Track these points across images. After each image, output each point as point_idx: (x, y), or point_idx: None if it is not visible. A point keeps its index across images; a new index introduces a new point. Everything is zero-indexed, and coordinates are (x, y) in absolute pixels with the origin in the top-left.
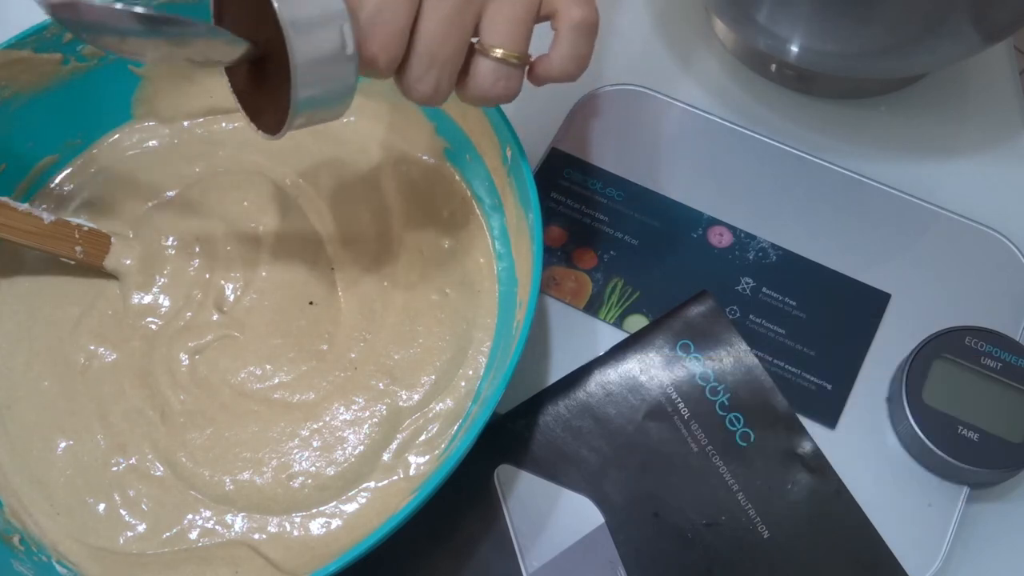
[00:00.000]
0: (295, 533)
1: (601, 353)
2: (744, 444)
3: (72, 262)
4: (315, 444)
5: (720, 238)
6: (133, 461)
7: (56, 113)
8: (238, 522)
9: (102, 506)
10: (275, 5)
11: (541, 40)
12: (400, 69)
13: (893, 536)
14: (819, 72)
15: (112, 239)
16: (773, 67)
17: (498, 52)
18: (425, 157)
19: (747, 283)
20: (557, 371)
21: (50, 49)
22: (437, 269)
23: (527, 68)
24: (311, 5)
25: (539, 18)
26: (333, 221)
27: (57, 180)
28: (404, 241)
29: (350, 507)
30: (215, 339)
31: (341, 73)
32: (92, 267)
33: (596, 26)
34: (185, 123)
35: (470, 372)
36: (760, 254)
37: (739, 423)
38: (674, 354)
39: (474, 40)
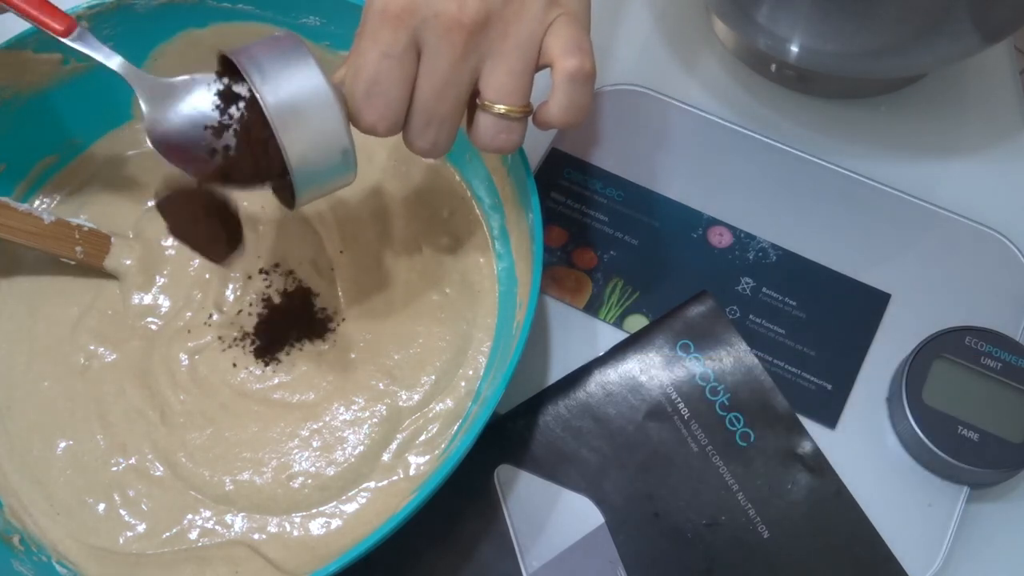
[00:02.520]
0: (295, 533)
1: (601, 353)
2: (744, 444)
3: (72, 262)
4: (315, 444)
5: (720, 238)
6: (133, 461)
7: (56, 113)
8: (238, 522)
9: (102, 506)
10: (264, 104)
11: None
12: (404, 123)
13: (893, 536)
14: (819, 72)
15: (112, 239)
16: (773, 67)
17: (499, 108)
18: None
19: (747, 283)
20: (557, 371)
21: (50, 49)
22: (437, 269)
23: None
24: (297, 96)
25: (538, 67)
26: (333, 221)
27: (57, 180)
28: (404, 241)
29: (350, 507)
30: (215, 339)
31: (336, 160)
32: (92, 267)
33: (592, 76)
34: None
35: (470, 372)
36: (760, 254)
37: (739, 423)
38: (674, 354)
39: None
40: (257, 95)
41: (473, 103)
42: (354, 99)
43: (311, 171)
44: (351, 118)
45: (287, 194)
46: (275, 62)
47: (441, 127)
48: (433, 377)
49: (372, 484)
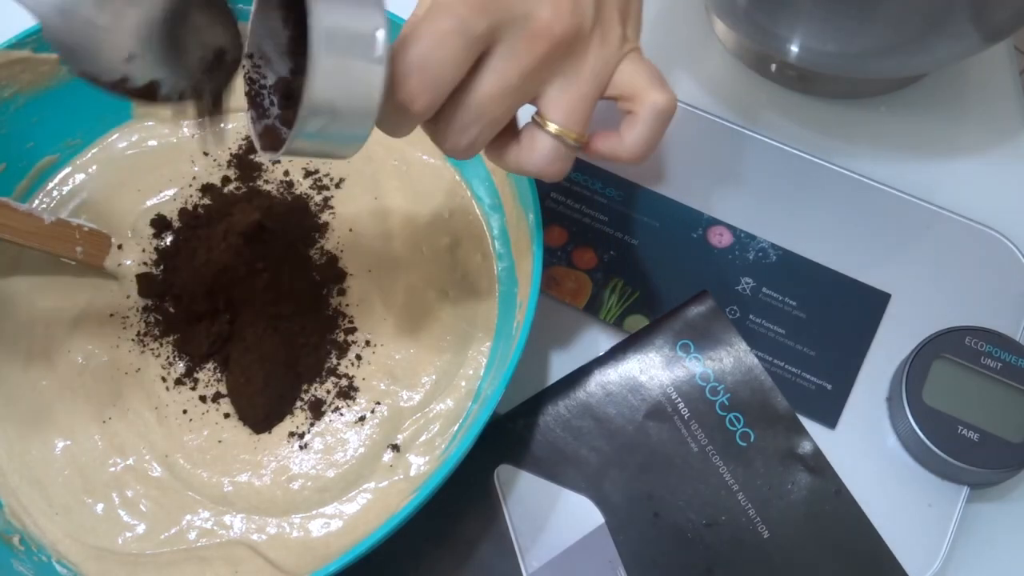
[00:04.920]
0: (295, 534)
1: (601, 353)
2: (744, 444)
3: (72, 262)
4: (315, 446)
5: (720, 238)
6: (131, 462)
7: (56, 113)
8: (237, 523)
9: (100, 506)
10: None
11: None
12: (436, 117)
13: (893, 536)
14: (819, 72)
15: (112, 239)
16: (773, 67)
17: (560, 131)
18: (425, 157)
19: (747, 283)
20: (557, 371)
21: (50, 49)
22: (437, 269)
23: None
24: (346, 10)
25: (604, 98)
26: (334, 220)
27: (57, 180)
28: (404, 241)
29: (350, 508)
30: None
31: (364, 85)
32: (92, 267)
33: (675, 112)
34: (185, 123)
35: (470, 372)
36: (760, 254)
37: (739, 423)
38: (674, 354)
39: (533, 111)
40: (310, 9)
41: (520, 121)
42: (402, 63)
43: (324, 119)
44: (392, 88)
45: (274, 137)
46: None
47: (484, 131)
48: (433, 377)
49: (372, 484)
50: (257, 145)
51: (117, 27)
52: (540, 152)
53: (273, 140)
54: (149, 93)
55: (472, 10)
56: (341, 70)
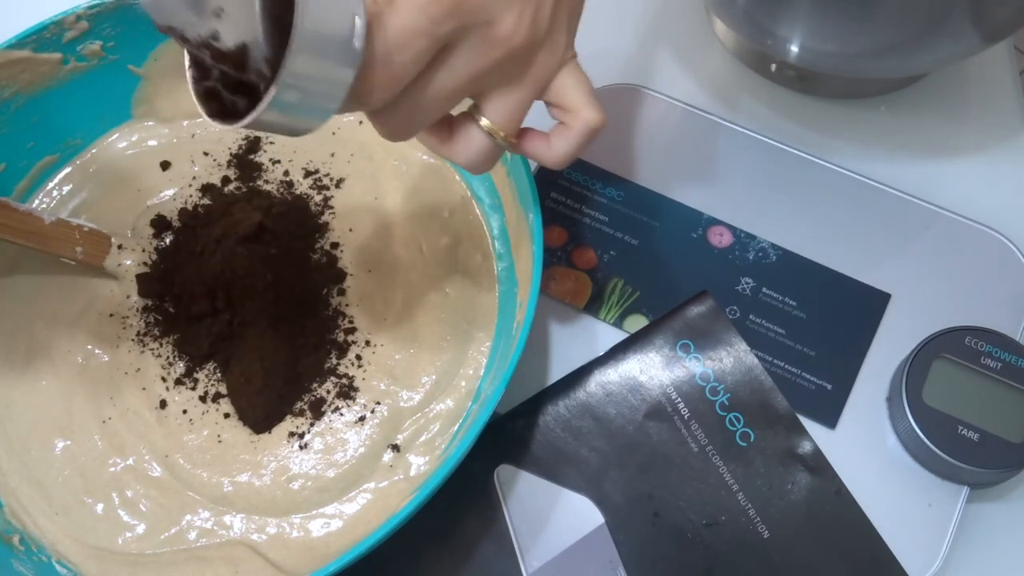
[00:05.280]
0: (295, 534)
1: (601, 353)
2: (744, 444)
3: (72, 262)
4: (315, 446)
5: (720, 238)
6: (131, 462)
7: (56, 113)
8: (237, 523)
9: (100, 506)
10: None
11: None
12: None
13: (893, 536)
14: (819, 72)
15: (112, 239)
16: (773, 67)
17: (491, 128)
18: (425, 157)
19: (747, 283)
20: (557, 371)
21: (50, 49)
22: (437, 269)
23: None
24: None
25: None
26: (334, 220)
27: (57, 180)
28: (404, 241)
29: (350, 508)
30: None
31: (337, 67)
32: (92, 267)
33: (603, 129)
34: (185, 123)
35: (470, 372)
36: (760, 254)
37: (739, 423)
38: (674, 354)
39: (467, 107)
40: None
41: (461, 116)
42: (367, 54)
43: (296, 95)
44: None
45: (216, 102)
46: None
47: (425, 119)
48: (433, 377)
49: (372, 485)
50: (202, 110)
51: None
52: (474, 148)
53: (216, 105)
54: (239, 60)
55: (442, 11)
56: (320, 50)
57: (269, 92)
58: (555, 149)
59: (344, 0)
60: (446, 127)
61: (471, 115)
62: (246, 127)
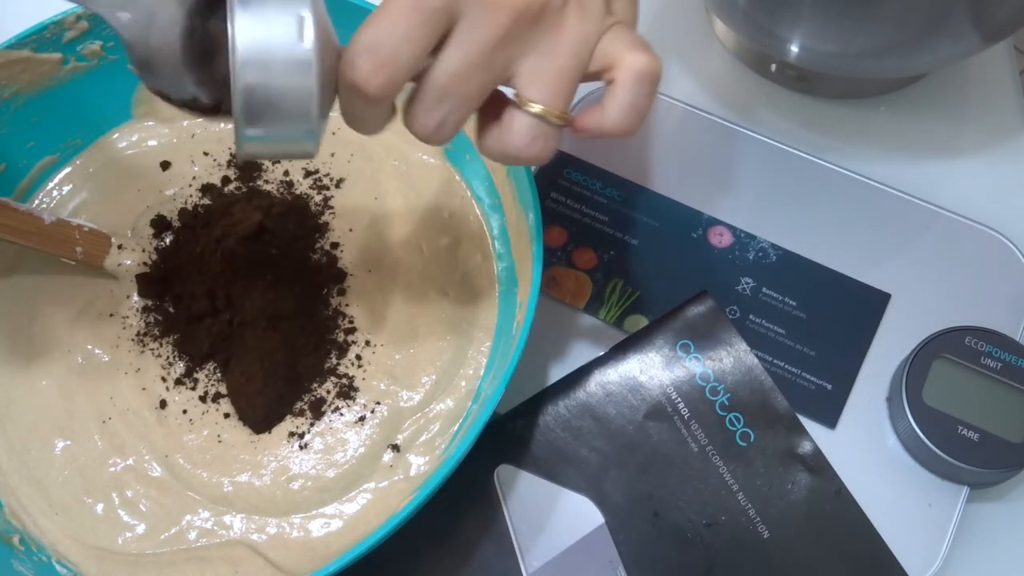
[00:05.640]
0: (295, 534)
1: (601, 353)
2: (744, 444)
3: (72, 262)
4: (315, 446)
5: (720, 238)
6: (131, 462)
7: (56, 113)
8: (237, 523)
9: (100, 506)
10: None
11: None
12: (410, 97)
13: (893, 536)
14: (819, 72)
15: (112, 239)
16: (773, 67)
17: (537, 108)
18: (425, 157)
19: (747, 283)
20: (557, 371)
21: (50, 49)
22: (437, 269)
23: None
24: (272, 43)
25: (588, 75)
26: (334, 220)
27: (57, 180)
28: (404, 241)
29: (350, 508)
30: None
31: (296, 119)
32: (92, 267)
33: (660, 76)
34: (185, 123)
35: (470, 372)
36: (760, 254)
37: (739, 423)
38: (674, 354)
39: (509, 90)
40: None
41: (503, 103)
42: (353, 46)
43: (261, 126)
44: (342, 70)
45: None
46: None
47: (454, 110)
48: (433, 377)
49: (372, 485)
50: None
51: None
52: (517, 132)
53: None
54: (215, 111)
55: None
56: (267, 72)
57: (237, 126)
58: (608, 112)
59: (289, 53)
60: (495, 122)
61: (512, 99)
62: (244, 157)
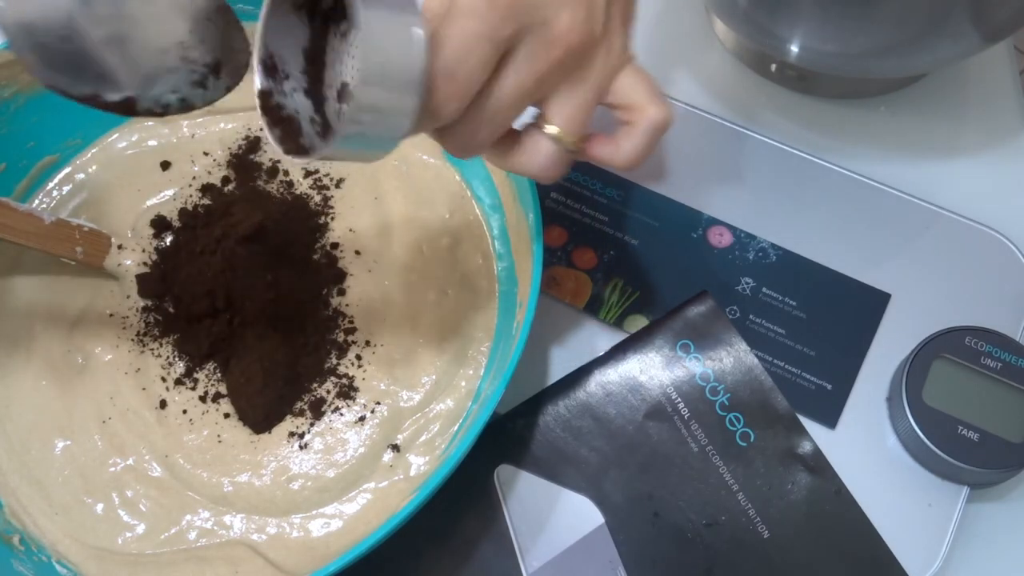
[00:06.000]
0: (295, 534)
1: (601, 353)
2: (744, 444)
3: (72, 262)
4: (315, 446)
5: (720, 238)
6: (131, 462)
7: (56, 113)
8: (237, 523)
9: (100, 506)
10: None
11: None
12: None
13: (893, 536)
14: (819, 72)
15: (112, 239)
16: (773, 67)
17: (562, 136)
18: (425, 157)
19: (747, 283)
20: (557, 371)
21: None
22: (437, 269)
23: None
24: (390, 22)
25: (601, 103)
26: (334, 221)
27: (57, 180)
28: (404, 241)
29: (350, 508)
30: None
31: (403, 91)
32: (92, 267)
33: (671, 126)
34: (185, 123)
35: (470, 372)
36: (760, 254)
37: (739, 423)
38: (674, 354)
39: (527, 114)
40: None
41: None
42: (439, 65)
43: (368, 118)
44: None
45: (291, 141)
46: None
47: (493, 133)
48: (433, 377)
49: (372, 485)
50: (281, 150)
51: (93, 41)
52: (543, 155)
53: (292, 144)
54: (126, 107)
55: (499, 14)
56: (384, 69)
57: (340, 125)
58: (623, 149)
59: (402, 21)
60: (510, 140)
61: (536, 124)
62: (323, 158)
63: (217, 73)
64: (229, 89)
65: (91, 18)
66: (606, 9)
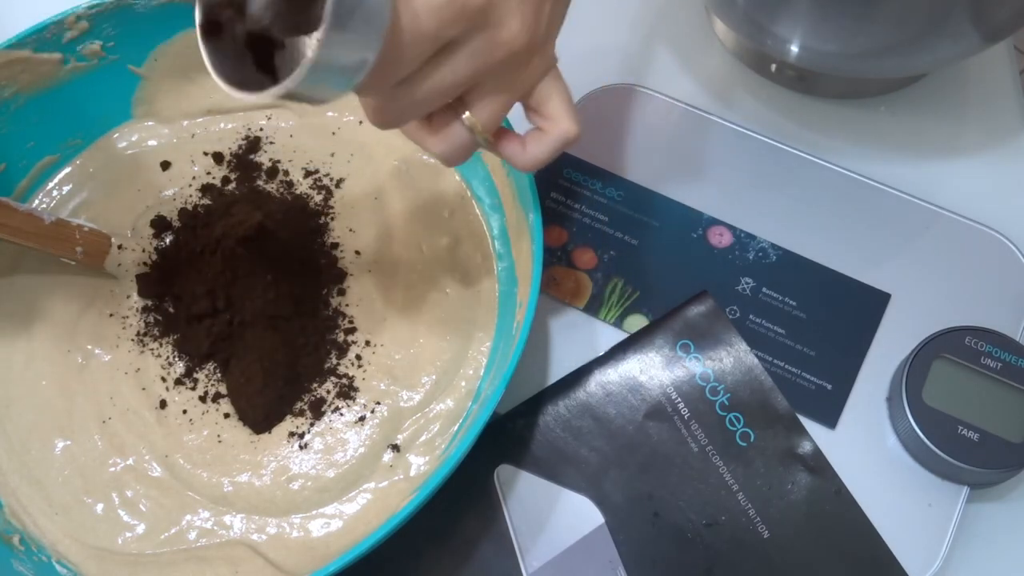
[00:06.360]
0: (295, 534)
1: (601, 353)
2: (744, 444)
3: (72, 262)
4: (315, 446)
5: (720, 238)
6: (131, 462)
7: (56, 113)
8: (237, 523)
9: (100, 506)
10: None
11: None
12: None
13: (893, 536)
14: (819, 72)
15: (112, 239)
16: (773, 67)
17: (475, 125)
18: (425, 157)
19: (747, 283)
20: (557, 371)
21: (50, 49)
22: (437, 269)
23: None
24: None
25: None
26: (334, 221)
27: (57, 180)
28: (404, 241)
29: (350, 508)
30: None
31: (368, 32)
32: (92, 267)
33: (576, 143)
34: (184, 123)
35: (470, 372)
36: (760, 254)
37: (739, 423)
38: (674, 354)
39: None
40: None
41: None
42: (395, 26)
43: (334, 54)
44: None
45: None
46: None
47: (415, 114)
48: (433, 377)
49: (372, 485)
50: (221, 80)
51: None
52: (454, 141)
53: (233, 74)
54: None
55: (453, 15)
56: (354, 12)
57: (306, 56)
58: (529, 153)
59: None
60: (426, 117)
61: (455, 109)
62: (279, 96)
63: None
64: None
65: None
66: (550, 16)
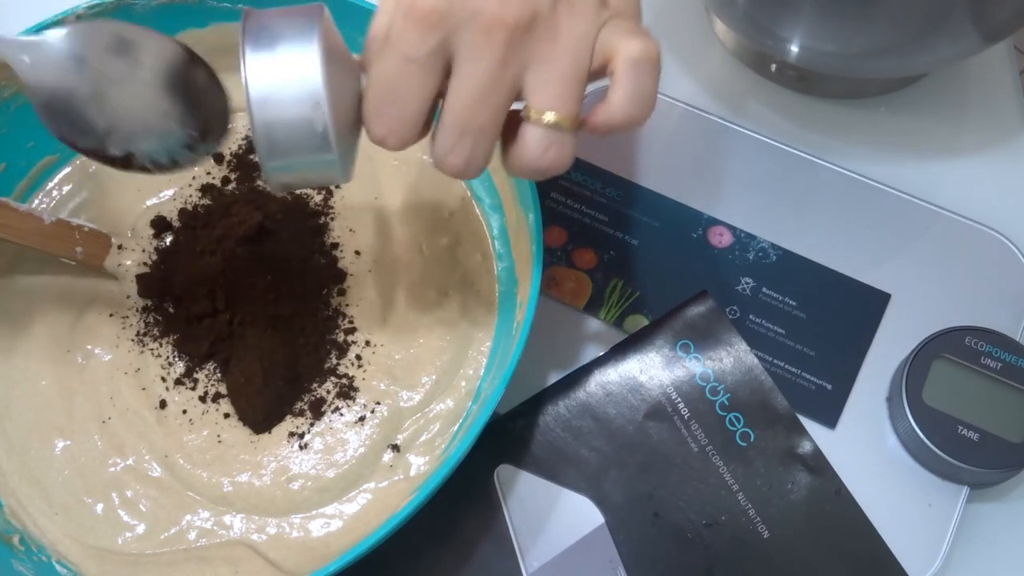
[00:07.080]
0: (295, 534)
1: (601, 353)
2: (744, 444)
3: (72, 262)
4: (315, 446)
5: (720, 238)
6: (131, 462)
7: None
8: (237, 523)
9: (100, 506)
10: (245, 77)
11: None
12: (432, 136)
13: (893, 536)
14: (819, 72)
15: (112, 239)
16: (773, 67)
17: (548, 117)
18: (425, 157)
19: (747, 283)
20: (557, 371)
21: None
22: (437, 269)
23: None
24: (283, 82)
25: (593, 74)
26: (334, 221)
27: (57, 180)
28: (404, 241)
29: (350, 508)
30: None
31: (315, 150)
32: (92, 267)
33: (659, 61)
34: None
35: (470, 372)
36: (760, 254)
37: (739, 423)
38: (674, 354)
39: (517, 105)
40: (242, 68)
41: (514, 118)
42: (367, 106)
43: (281, 159)
44: (367, 130)
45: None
46: (282, 32)
47: (477, 142)
48: (433, 377)
49: (372, 485)
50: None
51: (102, 105)
52: (530, 144)
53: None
54: (125, 163)
55: (415, 30)
56: (280, 108)
57: (261, 160)
58: (614, 105)
59: (299, 89)
60: (512, 145)
61: (523, 117)
62: (277, 190)
63: (204, 138)
64: (210, 153)
65: (85, 80)
66: None
